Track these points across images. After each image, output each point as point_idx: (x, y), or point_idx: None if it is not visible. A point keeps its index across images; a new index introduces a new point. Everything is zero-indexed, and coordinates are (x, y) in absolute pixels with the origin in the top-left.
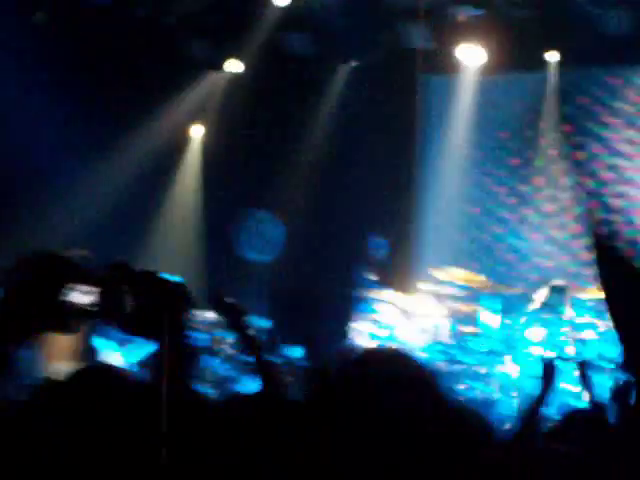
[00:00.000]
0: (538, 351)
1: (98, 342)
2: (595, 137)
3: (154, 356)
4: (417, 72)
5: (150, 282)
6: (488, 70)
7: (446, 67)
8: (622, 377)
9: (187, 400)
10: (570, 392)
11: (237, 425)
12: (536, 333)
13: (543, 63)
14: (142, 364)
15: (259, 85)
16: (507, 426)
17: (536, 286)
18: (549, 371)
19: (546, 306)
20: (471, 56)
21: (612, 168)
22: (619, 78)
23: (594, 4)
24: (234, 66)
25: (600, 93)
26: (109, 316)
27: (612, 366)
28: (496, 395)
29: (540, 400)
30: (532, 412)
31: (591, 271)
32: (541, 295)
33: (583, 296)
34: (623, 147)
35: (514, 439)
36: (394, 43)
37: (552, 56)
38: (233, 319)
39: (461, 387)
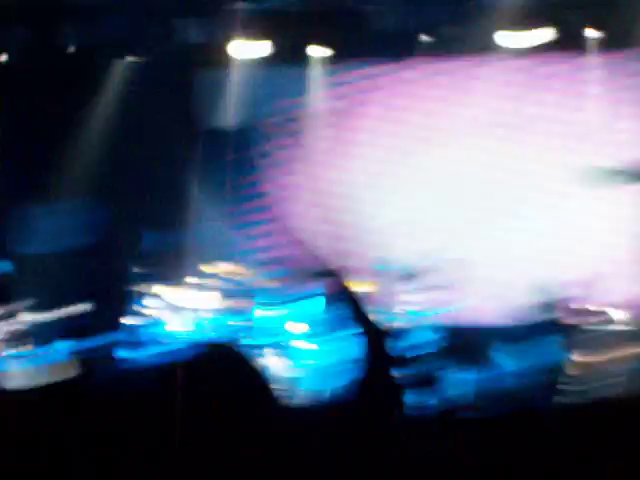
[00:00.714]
0: (298, 342)
1: None
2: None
3: None
4: (193, 67)
5: None
6: (261, 63)
7: (221, 61)
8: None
9: None
10: None
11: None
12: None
13: (309, 57)
14: None
15: (29, 78)
16: None
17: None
18: None
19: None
20: (243, 50)
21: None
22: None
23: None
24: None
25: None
26: None
27: None
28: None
29: None
30: None
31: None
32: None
33: None
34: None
35: None
36: (171, 38)
37: (317, 51)
38: None
39: None
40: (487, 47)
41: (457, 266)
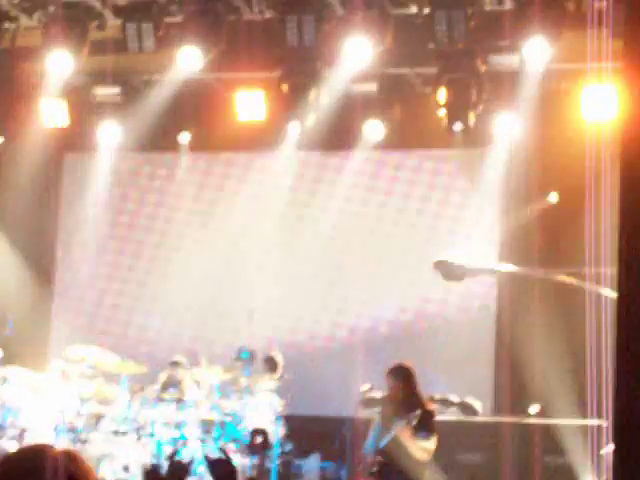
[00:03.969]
0: (162, 431)
1: None
2: None
3: None
4: (58, 150)
5: None
6: (126, 149)
7: (87, 146)
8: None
9: None
10: None
11: None
12: (159, 413)
13: (177, 144)
14: None
15: None
16: None
17: (161, 364)
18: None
19: (167, 385)
20: (109, 135)
21: None
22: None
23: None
24: None
25: None
26: None
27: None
28: (125, 474)
29: None
30: None
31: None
32: (164, 374)
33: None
34: None
35: None
36: (37, 120)
37: (184, 138)
38: None
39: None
40: None
41: None
